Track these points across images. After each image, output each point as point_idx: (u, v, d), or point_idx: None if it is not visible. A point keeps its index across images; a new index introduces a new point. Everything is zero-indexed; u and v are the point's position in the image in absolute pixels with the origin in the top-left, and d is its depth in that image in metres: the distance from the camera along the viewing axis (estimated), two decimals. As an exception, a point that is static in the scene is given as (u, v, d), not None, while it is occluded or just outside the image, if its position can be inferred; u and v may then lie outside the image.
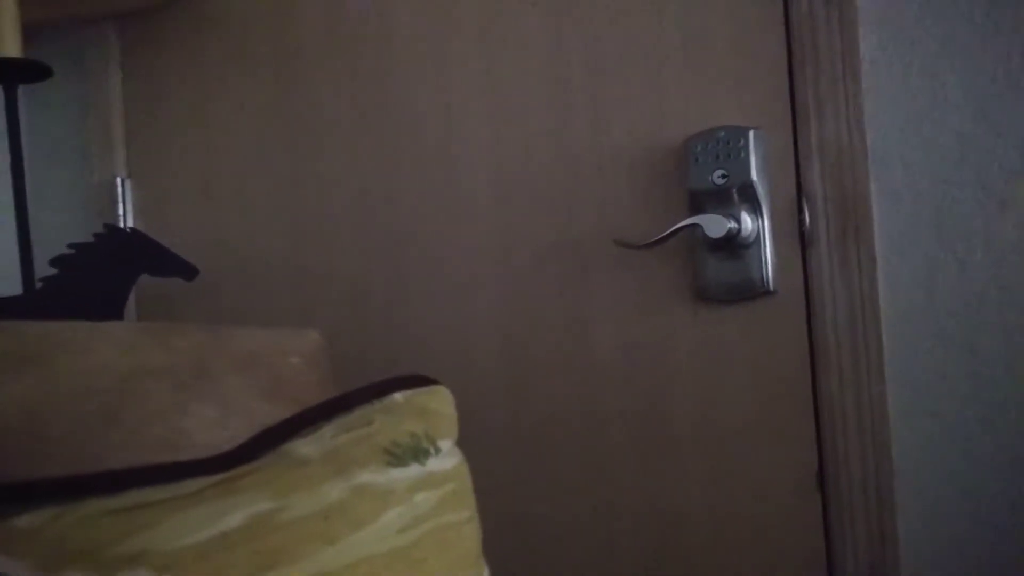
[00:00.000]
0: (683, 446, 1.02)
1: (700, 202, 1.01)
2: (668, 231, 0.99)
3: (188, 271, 1.06)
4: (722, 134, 1.01)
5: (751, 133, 1.00)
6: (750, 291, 1.00)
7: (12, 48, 1.00)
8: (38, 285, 1.01)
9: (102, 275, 1.01)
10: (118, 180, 1.22)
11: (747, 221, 1.00)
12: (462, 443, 0.64)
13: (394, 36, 1.15)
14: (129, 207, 1.22)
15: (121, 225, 1.21)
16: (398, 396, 0.58)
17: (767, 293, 1.00)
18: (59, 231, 1.20)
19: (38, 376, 0.67)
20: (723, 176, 1.00)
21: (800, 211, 0.99)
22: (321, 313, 1.17)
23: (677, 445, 1.02)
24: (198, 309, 1.20)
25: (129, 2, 1.20)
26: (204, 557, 0.43)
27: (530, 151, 1.10)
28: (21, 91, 1.04)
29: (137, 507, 0.45)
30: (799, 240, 0.99)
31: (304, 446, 0.54)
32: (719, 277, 1.01)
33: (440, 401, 0.60)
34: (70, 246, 1.01)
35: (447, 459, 0.58)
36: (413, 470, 0.54)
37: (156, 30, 1.24)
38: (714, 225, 0.98)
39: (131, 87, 1.24)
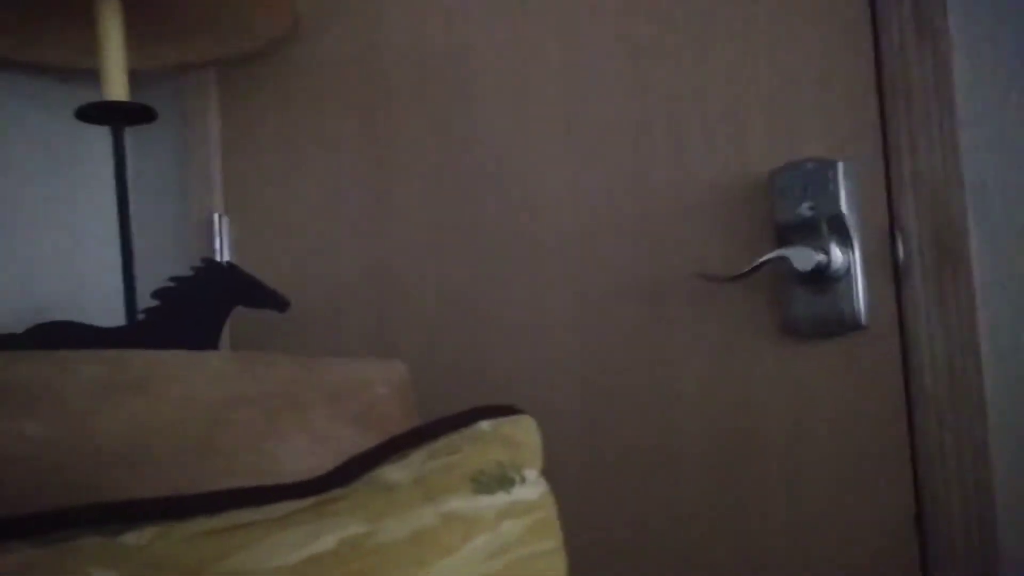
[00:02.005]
0: (769, 488, 0.99)
1: (787, 235, 0.99)
2: (754, 264, 0.97)
3: (280, 303, 1.10)
4: (809, 166, 0.99)
5: (840, 165, 0.98)
6: (840, 326, 0.97)
7: (119, 92, 1.06)
8: (140, 316, 1.05)
9: (200, 307, 1.05)
10: (215, 216, 1.28)
11: (837, 254, 0.97)
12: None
13: (477, 76, 1.18)
14: (225, 242, 1.27)
15: (218, 258, 1.26)
16: (484, 425, 0.58)
17: (859, 328, 0.97)
18: (160, 264, 1.25)
19: (142, 403, 0.70)
20: (811, 208, 0.98)
21: (893, 244, 0.96)
22: (403, 346, 1.18)
23: (762, 487, 1.00)
24: (286, 339, 1.23)
25: (227, 50, 1.26)
26: (298, 578, 0.44)
27: (611, 188, 1.10)
28: (127, 132, 1.10)
29: (234, 528, 0.47)
30: (892, 273, 0.96)
31: (393, 472, 0.55)
32: (807, 312, 0.99)
33: (526, 431, 0.60)
34: (171, 279, 1.06)
35: (533, 488, 0.58)
36: (500, 498, 0.54)
37: (252, 75, 1.29)
38: (802, 258, 0.96)
39: (228, 128, 1.30)
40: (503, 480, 0.55)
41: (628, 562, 1.05)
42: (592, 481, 1.07)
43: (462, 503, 0.53)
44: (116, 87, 1.05)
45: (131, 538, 0.43)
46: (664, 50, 1.08)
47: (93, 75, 1.16)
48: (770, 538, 0.99)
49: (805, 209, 0.99)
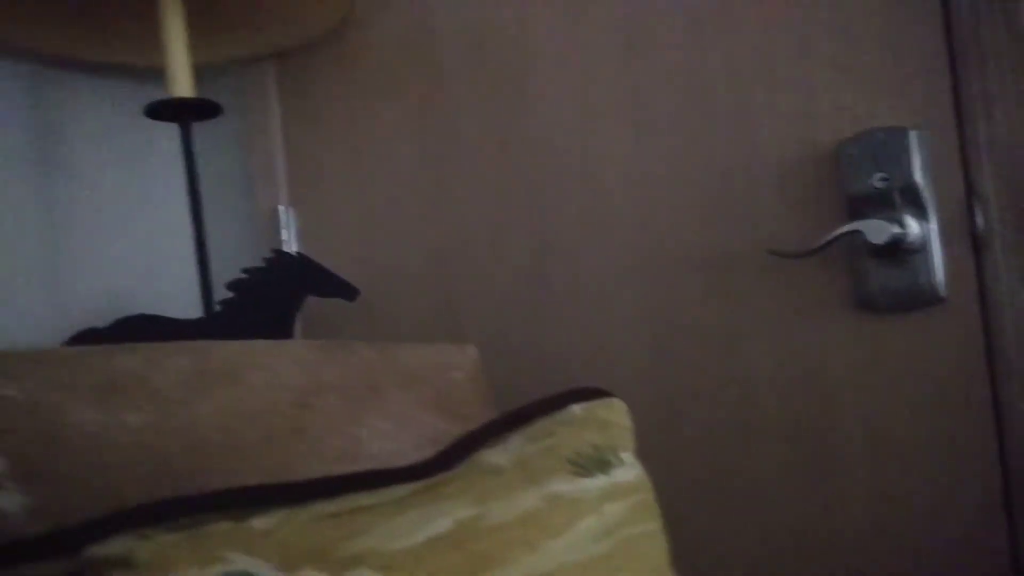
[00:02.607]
0: (847, 463, 0.98)
1: (859, 207, 0.98)
2: (827, 238, 0.96)
3: (350, 292, 1.11)
4: (880, 135, 0.97)
5: (912, 133, 0.96)
6: (918, 299, 0.96)
7: (185, 89, 1.08)
8: (216, 308, 1.07)
9: (273, 297, 1.07)
10: (280, 208, 1.29)
11: (912, 225, 0.96)
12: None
13: (535, 51, 1.17)
14: (292, 233, 1.29)
15: (284, 248, 1.28)
16: (576, 408, 0.59)
17: (937, 301, 0.95)
18: (229, 256, 1.28)
19: (231, 392, 0.72)
20: (883, 179, 0.97)
21: (971, 213, 0.94)
22: (469, 328, 1.19)
23: (840, 462, 0.99)
24: (356, 325, 1.25)
25: (285, 41, 1.27)
26: (419, 559, 0.45)
27: (674, 160, 1.09)
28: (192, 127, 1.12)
29: (353, 511, 0.48)
30: (971, 244, 0.94)
31: (494, 456, 0.55)
32: (883, 285, 0.97)
33: (618, 413, 0.60)
34: (244, 271, 1.08)
35: (630, 470, 0.59)
36: (599, 480, 0.55)
37: (309, 65, 1.30)
38: (876, 230, 0.95)
39: (289, 119, 1.31)
40: (601, 463, 0.55)
41: (708, 538, 1.05)
42: (668, 458, 1.07)
43: (564, 485, 0.53)
44: (182, 84, 1.07)
45: (259, 523, 0.44)
46: (726, 19, 1.07)
47: (157, 71, 1.18)
48: (850, 515, 0.98)
49: (877, 180, 0.97)
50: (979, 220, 0.94)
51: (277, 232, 1.29)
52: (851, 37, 1.00)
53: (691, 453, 1.06)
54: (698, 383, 1.06)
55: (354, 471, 0.52)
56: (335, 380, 0.79)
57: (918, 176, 0.95)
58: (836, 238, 0.96)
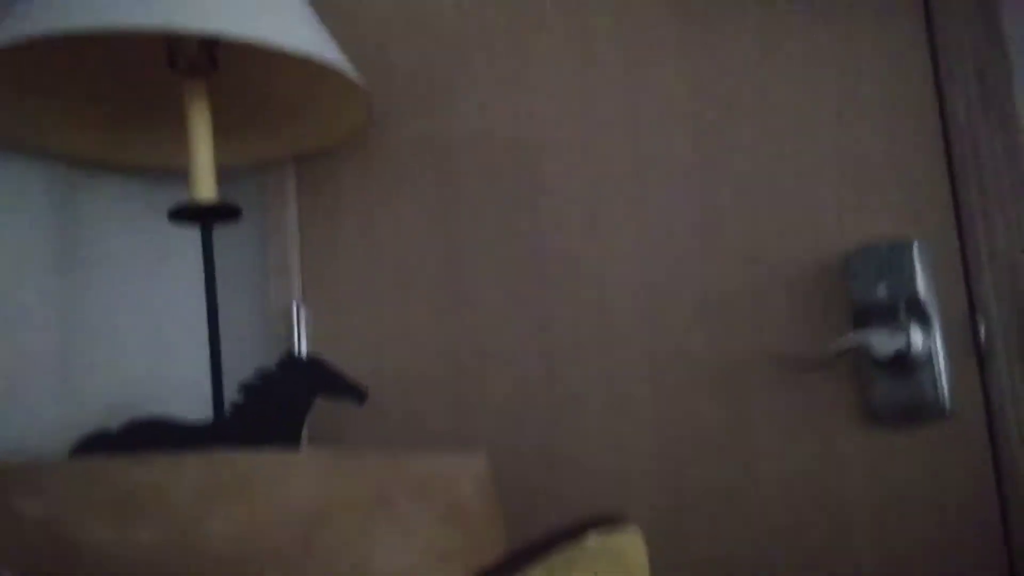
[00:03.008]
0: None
1: (864, 317, 0.99)
2: (832, 352, 0.97)
3: (360, 395, 1.12)
4: (884, 247, 1.00)
5: (915, 245, 0.98)
6: (924, 412, 0.96)
7: (208, 193, 1.11)
8: (228, 409, 1.08)
9: (285, 400, 1.08)
10: (294, 305, 1.31)
11: (917, 338, 0.97)
12: None
13: (545, 160, 1.21)
14: (303, 331, 1.31)
15: (296, 346, 1.30)
16: (593, 539, 0.59)
17: (943, 414, 0.96)
18: (240, 351, 1.29)
19: (245, 508, 0.72)
20: (888, 290, 0.98)
21: (974, 325, 0.96)
22: (480, 434, 1.20)
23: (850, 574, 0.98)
24: (363, 425, 1.25)
25: (306, 144, 1.31)
26: None
27: (680, 268, 1.11)
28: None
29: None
30: (975, 356, 0.95)
31: (509, 592, 0.56)
32: (890, 397, 0.98)
33: (634, 546, 0.60)
34: (256, 373, 1.09)
35: (641, 605, 0.59)
36: (612, 617, 0.55)
37: (328, 167, 1.34)
38: (882, 343, 0.96)
39: (306, 220, 1.35)
40: (614, 597, 0.56)
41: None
42: (674, 571, 1.06)
43: (578, 623, 0.53)
44: (206, 188, 1.10)
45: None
46: (733, 135, 1.10)
47: (179, 171, 1.22)
48: (861, 629, 0.97)
49: (882, 291, 0.99)
50: (982, 333, 0.95)
51: (290, 330, 1.31)
52: (854, 150, 1.04)
53: (699, 566, 1.06)
54: (707, 490, 1.06)
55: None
56: (346, 493, 0.80)
57: (921, 288, 0.97)
58: (842, 352, 0.97)
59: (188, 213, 1.11)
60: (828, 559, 0.99)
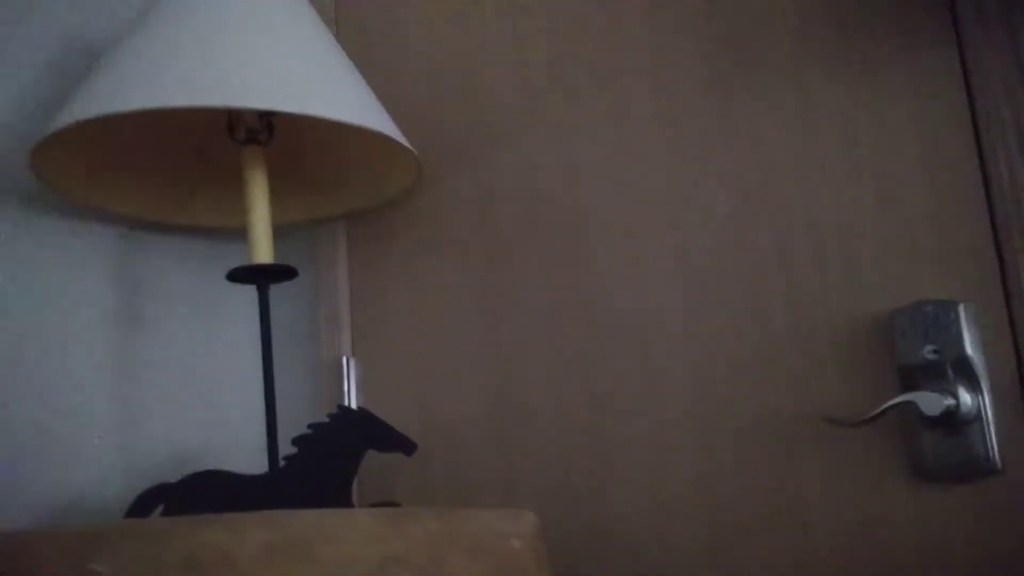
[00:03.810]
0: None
1: (912, 377, 1.00)
2: (881, 408, 0.98)
3: (408, 447, 1.14)
4: (929, 308, 1.00)
5: (961, 306, 0.99)
6: (974, 470, 0.96)
7: (265, 256, 1.15)
8: (281, 462, 1.11)
9: (336, 453, 1.11)
10: (344, 359, 1.35)
11: (965, 397, 0.97)
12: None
13: (588, 215, 1.23)
14: (353, 384, 1.34)
15: (346, 400, 1.33)
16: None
17: (994, 472, 0.95)
18: (293, 406, 1.33)
19: (304, 568, 0.75)
20: (935, 351, 0.99)
21: (1023, 384, 0.96)
22: (525, 484, 1.21)
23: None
24: (411, 480, 1.28)
25: (358, 204, 1.36)
26: None
27: (725, 324, 1.13)
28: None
29: None
30: (1025, 416, 0.95)
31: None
32: (938, 455, 0.98)
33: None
34: (309, 427, 1.12)
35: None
36: None
37: (378, 224, 1.38)
38: (930, 402, 0.97)
39: (356, 276, 1.38)
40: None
41: None
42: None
43: None
44: (263, 251, 1.14)
45: None
46: (775, 195, 1.12)
47: (236, 231, 1.27)
48: None
49: (928, 352, 0.99)
50: (1032, 393, 0.95)
51: (340, 383, 1.34)
52: (897, 209, 1.05)
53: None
54: (754, 549, 1.07)
55: None
56: (402, 553, 0.82)
57: (969, 348, 0.98)
58: (889, 408, 0.98)
59: (246, 274, 1.15)
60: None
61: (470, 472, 1.25)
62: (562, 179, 1.26)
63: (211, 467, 1.15)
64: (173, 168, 1.32)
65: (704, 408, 1.12)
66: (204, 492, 1.08)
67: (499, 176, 1.31)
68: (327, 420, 1.13)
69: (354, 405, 1.33)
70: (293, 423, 1.21)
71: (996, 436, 0.96)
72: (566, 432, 1.20)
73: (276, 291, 1.33)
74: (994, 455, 0.96)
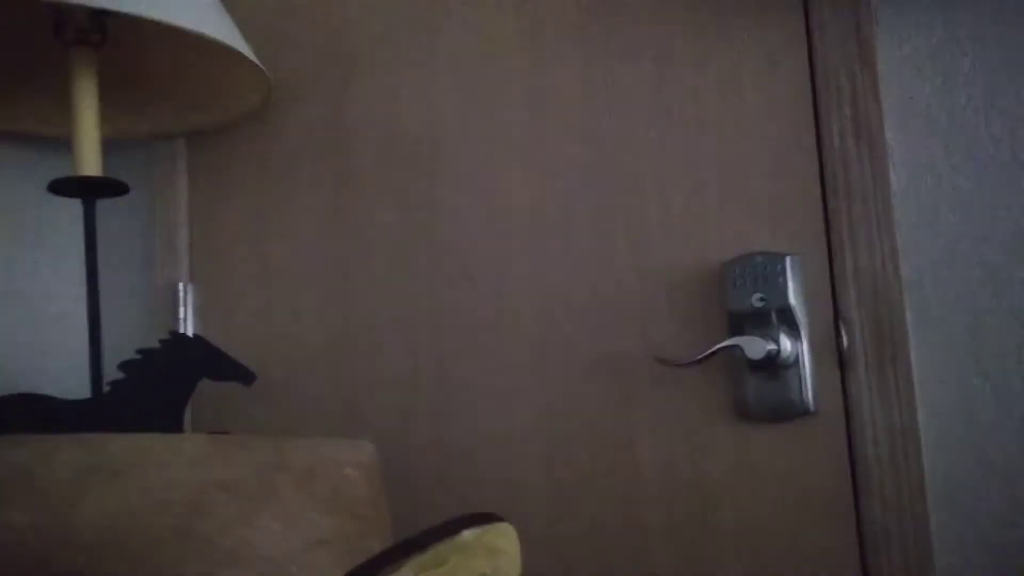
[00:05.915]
0: (726, 561, 1.04)
1: (739, 323, 1.05)
2: (708, 351, 1.03)
3: (246, 377, 1.11)
4: (759, 259, 1.06)
5: (788, 259, 1.04)
6: (790, 411, 1.03)
7: (93, 168, 1.07)
8: (106, 388, 1.05)
9: (166, 380, 1.06)
10: (180, 285, 1.28)
11: (786, 343, 1.03)
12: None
13: (443, 158, 1.22)
14: (190, 311, 1.28)
15: (182, 327, 1.27)
16: (468, 535, 0.61)
17: (807, 414, 1.03)
18: (124, 332, 1.25)
19: (121, 491, 0.71)
20: (761, 299, 1.04)
21: (838, 335, 1.03)
22: (368, 420, 1.20)
23: (720, 560, 1.04)
24: (250, 410, 1.24)
25: (199, 121, 1.28)
26: None
27: (572, 270, 1.15)
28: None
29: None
30: (838, 363, 1.02)
31: (387, 581, 0.57)
32: (759, 397, 1.05)
33: (507, 540, 0.63)
34: (137, 352, 1.06)
35: (515, 592, 0.61)
36: (486, 604, 0.57)
37: (221, 145, 1.32)
38: (753, 346, 1.02)
39: (196, 198, 1.31)
40: (488, 587, 0.58)
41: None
42: (553, 551, 1.10)
43: (453, 610, 0.55)
44: (90, 163, 1.06)
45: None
46: (626, 145, 1.14)
47: (62, 142, 1.17)
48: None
49: (756, 300, 1.05)
50: (844, 341, 1.02)
51: (176, 309, 1.28)
52: (739, 165, 1.09)
53: (579, 550, 1.10)
54: (588, 480, 1.11)
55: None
56: (228, 479, 0.79)
57: (792, 298, 1.04)
58: (716, 351, 1.03)
59: (70, 187, 1.07)
60: (697, 538, 1.05)
61: (311, 404, 1.23)
62: (419, 113, 1.24)
63: (31, 391, 1.07)
64: (-9, 68, 1.20)
65: (548, 348, 1.14)
66: (19, 416, 1.01)
67: (354, 104, 1.27)
68: (157, 345, 1.07)
69: (190, 333, 1.27)
70: (123, 350, 1.15)
71: (811, 380, 1.03)
72: (411, 366, 1.20)
73: (108, 210, 1.25)
74: (808, 398, 1.03)
